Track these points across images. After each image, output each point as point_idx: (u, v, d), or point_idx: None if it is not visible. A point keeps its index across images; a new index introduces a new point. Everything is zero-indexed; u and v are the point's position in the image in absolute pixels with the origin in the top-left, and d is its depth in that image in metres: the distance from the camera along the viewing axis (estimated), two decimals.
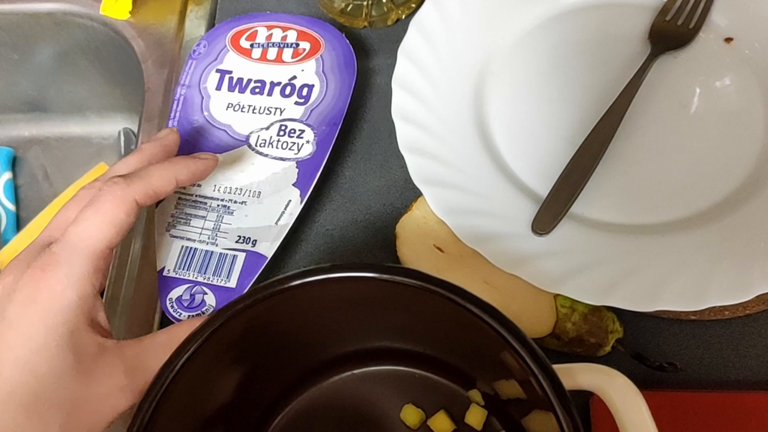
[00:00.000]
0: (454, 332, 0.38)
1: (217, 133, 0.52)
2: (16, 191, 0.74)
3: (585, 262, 0.45)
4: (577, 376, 0.34)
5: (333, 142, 0.51)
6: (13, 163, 0.75)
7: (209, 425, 0.39)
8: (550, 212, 0.47)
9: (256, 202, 0.50)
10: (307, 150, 0.51)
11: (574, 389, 0.33)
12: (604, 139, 0.49)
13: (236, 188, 0.50)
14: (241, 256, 0.48)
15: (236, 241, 0.48)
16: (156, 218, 0.50)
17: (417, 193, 0.49)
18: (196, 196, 0.50)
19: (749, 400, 0.43)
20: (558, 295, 0.44)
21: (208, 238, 0.49)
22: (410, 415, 0.44)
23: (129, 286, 0.51)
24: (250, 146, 0.51)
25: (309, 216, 0.53)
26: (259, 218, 0.49)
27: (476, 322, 0.33)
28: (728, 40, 0.55)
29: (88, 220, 0.37)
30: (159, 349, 0.38)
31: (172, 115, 0.54)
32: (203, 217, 0.49)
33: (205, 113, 0.53)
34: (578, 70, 0.55)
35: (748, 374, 0.45)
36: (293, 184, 0.49)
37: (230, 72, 0.55)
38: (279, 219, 0.49)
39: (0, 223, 0.72)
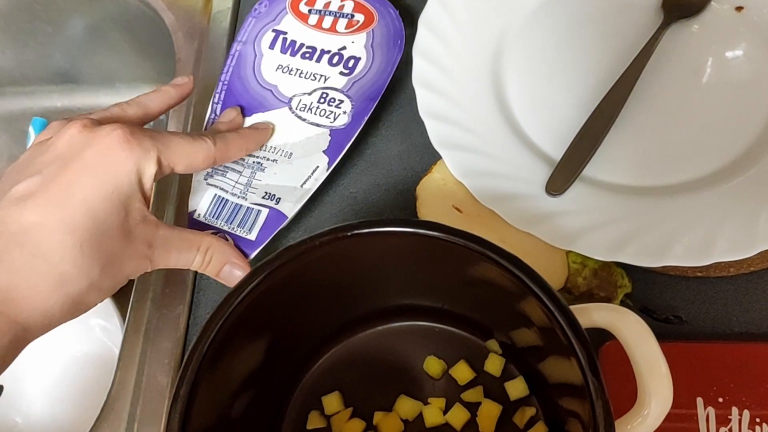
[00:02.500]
0: (474, 286, 0.41)
1: (262, 92, 0.55)
2: None
3: (596, 221, 0.47)
4: (592, 314, 0.36)
5: (368, 115, 0.53)
6: None
7: (243, 385, 0.42)
8: (564, 174, 0.49)
9: (287, 162, 0.52)
10: (343, 120, 0.53)
11: (589, 327, 0.35)
12: (616, 105, 0.51)
13: (271, 146, 0.53)
14: (265, 211, 0.51)
15: (262, 197, 0.51)
16: None
17: (436, 157, 0.51)
18: None
19: (752, 351, 0.45)
20: (570, 251, 0.47)
21: (240, 192, 0.51)
22: (433, 365, 0.46)
23: None
24: (290, 109, 0.54)
25: (333, 179, 0.55)
26: (286, 178, 0.51)
27: (498, 274, 0.36)
28: (739, 8, 0.56)
29: (184, 140, 0.44)
30: (182, 242, 0.44)
31: (226, 69, 0.56)
32: (239, 172, 0.52)
33: (256, 71, 0.56)
34: (593, 37, 0.57)
35: (751, 327, 0.47)
36: (323, 151, 0.52)
37: (285, 33, 0.57)
38: (305, 182, 0.51)
39: None
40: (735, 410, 0.43)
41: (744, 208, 0.47)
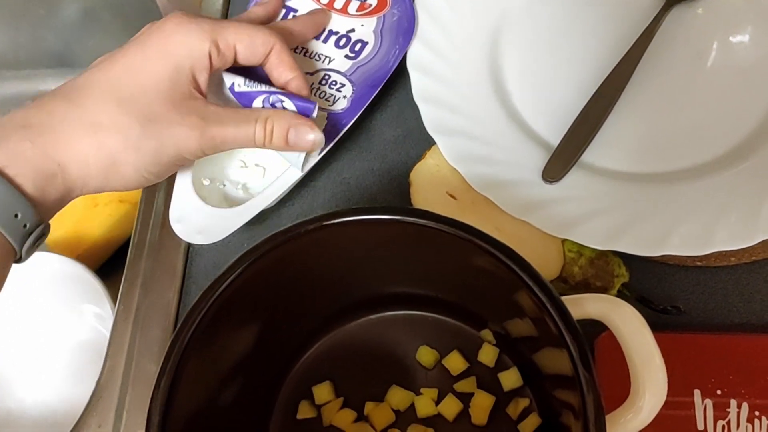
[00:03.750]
0: (467, 275, 0.40)
1: None
2: None
3: (593, 209, 0.46)
4: (586, 305, 0.35)
5: (367, 103, 0.51)
6: None
7: (231, 374, 0.41)
8: (561, 160, 0.48)
9: None
10: (342, 104, 0.51)
11: (583, 318, 0.34)
12: (615, 89, 0.50)
13: None
14: None
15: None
16: None
17: (431, 143, 0.50)
18: None
19: (752, 342, 0.44)
20: (566, 240, 0.46)
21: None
22: (425, 355, 0.46)
23: (155, 232, 0.53)
24: None
25: (326, 165, 0.54)
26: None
27: (490, 263, 0.35)
28: None
29: (242, 23, 0.45)
30: (237, 115, 0.44)
31: None
32: None
33: None
34: (593, 20, 0.56)
35: (752, 318, 0.47)
36: None
37: (296, 11, 0.55)
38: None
39: None
40: (734, 403, 0.43)
41: (746, 196, 0.46)
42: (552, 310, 0.33)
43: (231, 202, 0.51)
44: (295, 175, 0.49)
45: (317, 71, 0.53)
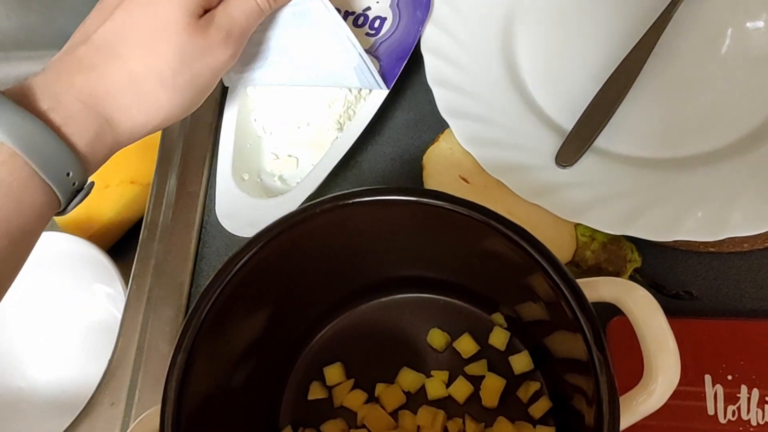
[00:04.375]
0: (480, 258, 0.40)
1: None
2: None
3: (606, 194, 0.46)
4: (600, 288, 0.35)
5: (397, 76, 0.51)
6: None
7: (244, 355, 0.41)
8: (574, 145, 0.48)
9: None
10: None
11: (596, 301, 0.34)
12: (630, 74, 0.50)
13: None
14: None
15: None
16: None
17: (444, 126, 0.50)
18: None
19: (764, 328, 0.44)
20: (578, 224, 0.46)
21: None
22: (436, 338, 0.46)
23: (167, 213, 0.53)
24: None
25: None
26: None
27: (504, 246, 0.35)
28: None
29: None
30: (239, 2, 0.44)
31: None
32: None
33: None
34: (608, 5, 0.55)
35: (764, 304, 0.46)
36: None
37: None
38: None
39: None
40: (744, 388, 0.43)
41: (760, 182, 0.46)
42: (567, 293, 0.33)
43: (271, 193, 0.52)
44: (335, 158, 0.50)
45: None
